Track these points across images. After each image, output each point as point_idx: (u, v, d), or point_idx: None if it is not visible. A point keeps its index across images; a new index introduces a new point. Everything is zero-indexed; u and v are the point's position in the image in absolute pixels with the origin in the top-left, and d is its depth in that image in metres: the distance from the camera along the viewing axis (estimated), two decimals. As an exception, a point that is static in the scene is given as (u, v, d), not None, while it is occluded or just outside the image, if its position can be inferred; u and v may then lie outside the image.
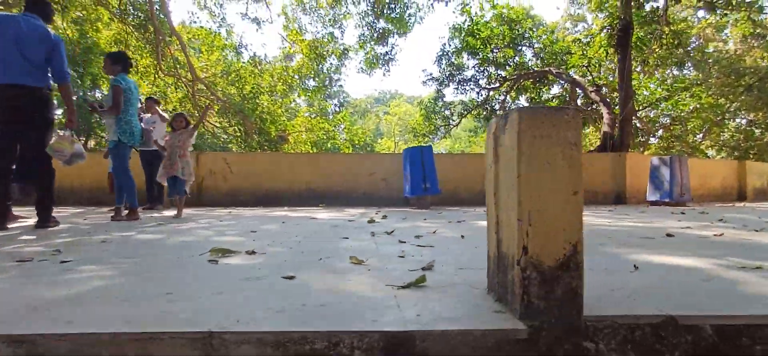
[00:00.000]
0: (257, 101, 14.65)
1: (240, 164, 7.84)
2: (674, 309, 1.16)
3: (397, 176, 7.80)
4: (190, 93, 13.94)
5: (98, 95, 16.12)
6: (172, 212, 5.17)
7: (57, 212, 3.93)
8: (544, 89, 16.13)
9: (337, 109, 33.37)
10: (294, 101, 19.29)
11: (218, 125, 15.70)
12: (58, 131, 3.41)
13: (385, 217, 4.76)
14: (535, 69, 15.03)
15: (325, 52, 15.49)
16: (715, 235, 3.03)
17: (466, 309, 1.20)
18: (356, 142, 17.67)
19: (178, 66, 13.76)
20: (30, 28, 3.29)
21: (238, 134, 15.04)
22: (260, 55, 26.56)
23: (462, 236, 2.97)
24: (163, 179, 4.70)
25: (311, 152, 15.25)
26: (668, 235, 3.01)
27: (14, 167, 3.34)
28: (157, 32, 12.27)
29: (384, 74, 23.05)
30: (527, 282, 1.06)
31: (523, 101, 16.40)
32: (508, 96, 16.11)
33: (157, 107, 6.10)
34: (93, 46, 15.57)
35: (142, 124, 5.81)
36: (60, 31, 15.17)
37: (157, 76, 14.73)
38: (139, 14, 13.27)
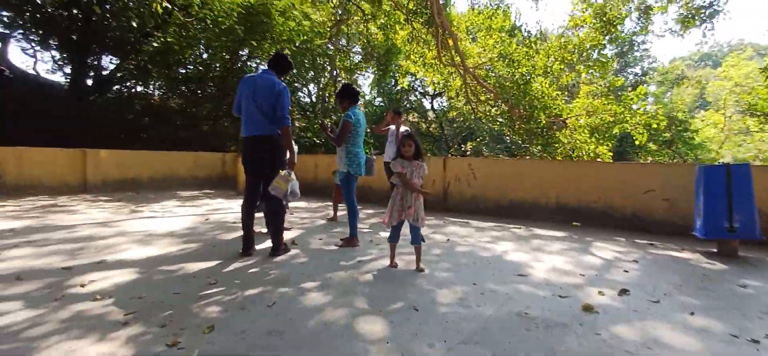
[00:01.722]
0: (527, 86, 13.68)
1: (484, 170, 7.44)
2: None
3: (686, 197, 5.67)
4: (463, 84, 14.38)
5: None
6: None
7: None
8: None
9: (640, 80, 27.65)
10: (575, 79, 17.11)
11: (488, 115, 15.57)
12: (281, 171, 3.93)
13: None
14: None
15: (617, 16, 12.95)
16: None
17: None
18: (655, 126, 14.16)
19: (455, 54, 14.37)
20: (264, 82, 3.86)
21: (505, 122, 14.53)
22: (539, 30, 24.79)
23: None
24: (389, 222, 3.70)
25: (588, 142, 13.15)
26: None
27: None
28: (436, 26, 13.10)
29: (705, 33, 17.47)
30: None
31: None
32: None
33: (399, 120, 6.28)
34: (392, 47, 18.13)
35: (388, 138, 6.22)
36: (371, 37, 18.35)
37: (439, 67, 15.91)
38: (426, 12, 14.51)
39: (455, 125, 25.14)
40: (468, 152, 21.23)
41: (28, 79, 15.08)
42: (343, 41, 20.84)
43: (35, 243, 4.17)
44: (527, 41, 15.18)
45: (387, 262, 3.83)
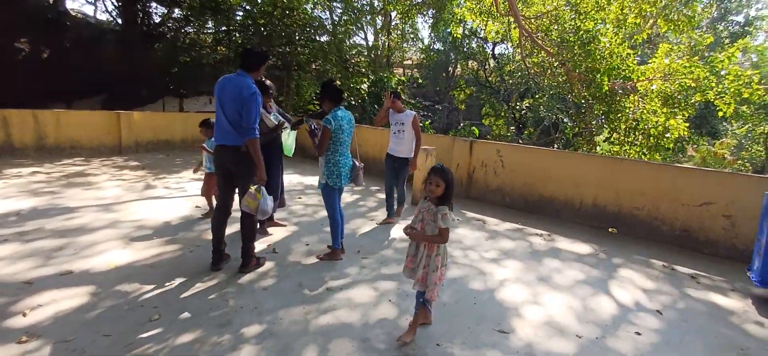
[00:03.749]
0: (591, 45, 12.05)
1: (513, 158, 6.64)
2: None
3: (750, 219, 4.66)
4: (519, 38, 13.01)
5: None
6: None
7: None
8: None
9: (742, 31, 23.38)
10: (652, 35, 14.88)
11: (544, 75, 14.11)
12: (251, 187, 3.58)
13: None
14: None
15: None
16: None
17: None
18: (746, 94, 12.05)
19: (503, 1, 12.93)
20: (232, 87, 3.45)
21: (560, 86, 13.07)
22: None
23: None
24: (414, 283, 2.83)
25: (659, 113, 11.46)
26: None
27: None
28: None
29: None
30: None
31: None
32: None
33: (399, 104, 5.29)
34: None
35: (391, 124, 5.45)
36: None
37: (497, 17, 14.52)
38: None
39: (516, 77, 23.34)
40: (523, 110, 19.70)
41: (88, 24, 15.81)
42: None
43: (25, 237, 4.25)
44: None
45: (363, 288, 3.45)
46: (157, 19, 15.32)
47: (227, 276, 3.71)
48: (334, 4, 18.25)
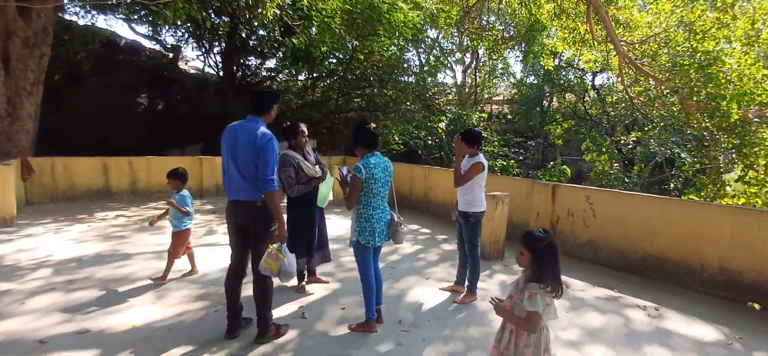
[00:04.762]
0: (713, 67, 10.13)
1: (608, 207, 5.43)
2: None
3: None
4: (619, 66, 11.51)
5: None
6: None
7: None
8: None
9: None
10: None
11: (652, 106, 12.28)
12: (270, 245, 3.13)
13: None
14: None
15: None
16: None
17: None
18: None
19: (596, 26, 11.57)
20: (244, 135, 3.08)
21: (678, 115, 11.16)
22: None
23: None
24: None
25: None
26: None
27: None
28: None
29: None
30: None
31: None
32: None
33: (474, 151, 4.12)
34: (535, 23, 15.62)
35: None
36: (511, 13, 16.16)
37: (593, 45, 13.19)
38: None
39: (619, 108, 20.89)
40: (629, 144, 17.35)
41: (193, 78, 17.61)
42: (484, 20, 18.94)
43: (71, 286, 4.27)
44: (720, 3, 11.26)
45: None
46: (252, 70, 16.54)
47: (241, 345, 3.25)
48: (421, 47, 18.25)
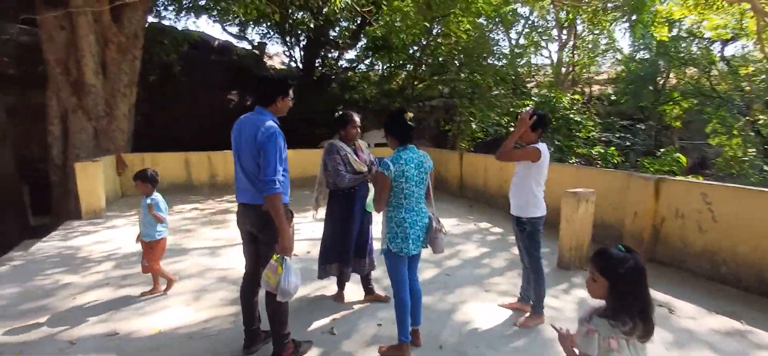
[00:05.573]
0: None
1: (732, 206, 4.17)
2: None
3: None
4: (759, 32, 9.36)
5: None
6: None
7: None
8: None
9: None
10: None
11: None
12: (273, 256, 2.72)
13: None
14: None
15: None
16: None
17: None
18: None
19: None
20: (247, 129, 2.71)
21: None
22: None
23: None
24: None
25: None
26: None
27: None
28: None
29: None
30: None
31: None
32: None
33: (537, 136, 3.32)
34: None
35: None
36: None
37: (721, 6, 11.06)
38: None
39: (757, 82, 17.29)
40: (760, 120, 14.22)
41: (277, 73, 18.31)
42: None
43: (123, 281, 4.34)
44: None
45: None
46: (332, 62, 16.67)
47: (257, 364, 2.91)
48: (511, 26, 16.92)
